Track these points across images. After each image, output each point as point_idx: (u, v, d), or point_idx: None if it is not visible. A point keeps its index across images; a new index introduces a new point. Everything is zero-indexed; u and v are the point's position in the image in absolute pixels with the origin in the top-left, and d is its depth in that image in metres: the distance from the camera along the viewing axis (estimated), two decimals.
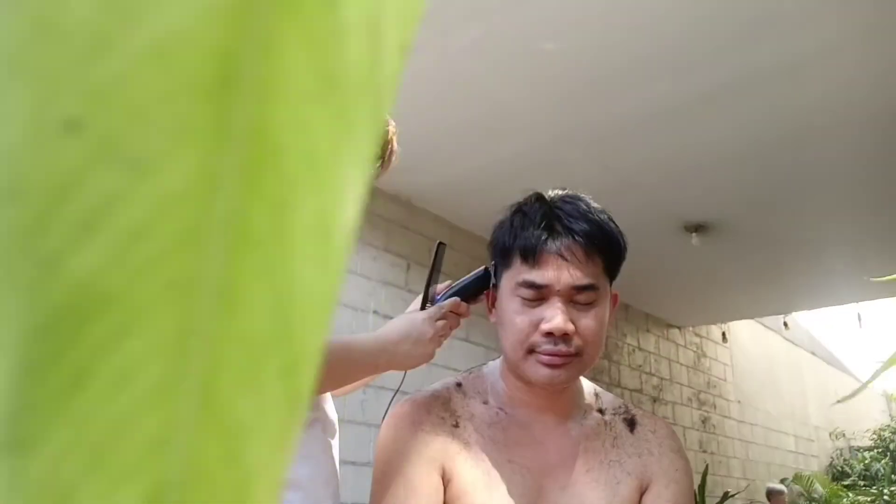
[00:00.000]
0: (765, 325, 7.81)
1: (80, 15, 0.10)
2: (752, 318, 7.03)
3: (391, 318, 1.03)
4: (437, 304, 1.00)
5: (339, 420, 1.04)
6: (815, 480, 7.26)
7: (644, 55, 2.39)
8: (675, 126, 2.83)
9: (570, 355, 0.88)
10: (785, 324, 8.23)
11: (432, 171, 3.21)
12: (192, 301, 0.11)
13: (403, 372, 1.01)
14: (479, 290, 1.01)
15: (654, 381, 5.55)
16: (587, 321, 0.89)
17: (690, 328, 6.29)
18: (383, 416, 0.98)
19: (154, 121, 0.11)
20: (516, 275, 0.90)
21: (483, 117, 2.80)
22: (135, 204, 0.11)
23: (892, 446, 9.81)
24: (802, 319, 9.18)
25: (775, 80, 2.49)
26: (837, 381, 10.39)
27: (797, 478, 7.19)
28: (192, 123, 0.11)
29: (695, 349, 6.30)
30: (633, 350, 5.38)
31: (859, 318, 6.91)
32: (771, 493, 5.88)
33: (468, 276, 1.02)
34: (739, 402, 6.82)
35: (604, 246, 0.90)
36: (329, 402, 1.03)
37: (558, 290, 0.87)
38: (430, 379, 1.04)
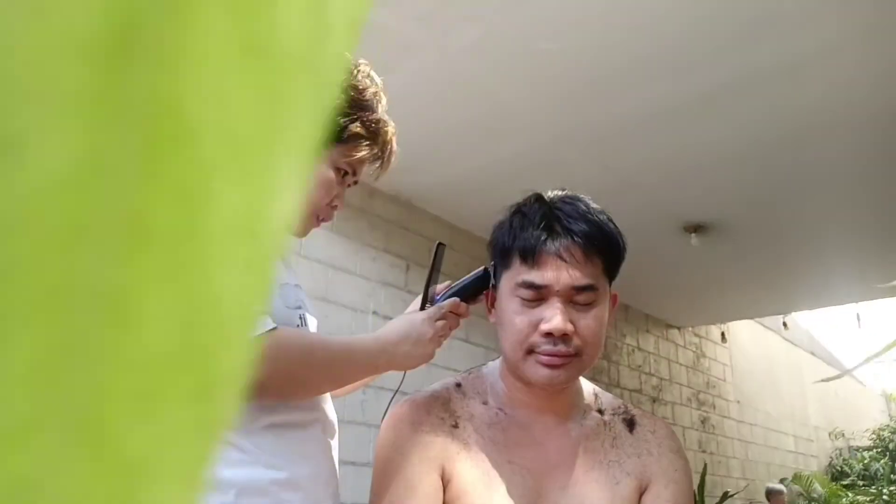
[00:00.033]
0: (764, 326, 7.81)
1: None
2: (751, 318, 7.03)
3: (391, 318, 1.03)
4: (436, 305, 1.00)
5: (339, 420, 1.04)
6: (814, 480, 7.26)
7: (644, 55, 2.39)
8: (675, 126, 2.83)
9: (570, 356, 0.88)
10: (784, 324, 8.23)
11: (432, 171, 3.21)
12: (74, 312, 0.09)
13: (403, 372, 1.02)
14: (478, 290, 1.01)
15: (654, 381, 5.55)
16: (586, 321, 0.89)
17: (690, 328, 6.29)
18: (383, 416, 0.98)
19: (27, 90, 0.09)
20: (516, 275, 0.90)
21: (483, 117, 2.80)
22: (1, 193, 0.09)
23: (891, 446, 9.81)
24: (802, 319, 9.18)
25: (775, 80, 2.49)
26: (837, 382, 10.39)
27: (796, 478, 7.20)
28: (76, 94, 0.09)
29: (694, 349, 6.30)
30: (633, 350, 5.38)
31: (858, 319, 6.92)
32: (770, 493, 5.88)
33: (468, 276, 1.02)
34: (739, 402, 6.82)
35: (603, 246, 0.90)
36: (328, 403, 1.03)
37: (558, 291, 0.87)
38: (430, 379, 1.04)
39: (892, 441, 9.93)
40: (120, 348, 0.10)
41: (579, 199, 0.94)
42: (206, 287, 0.10)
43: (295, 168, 0.11)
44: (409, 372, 1.01)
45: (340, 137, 1.02)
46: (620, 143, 2.97)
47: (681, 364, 6.02)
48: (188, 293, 0.10)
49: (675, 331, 6.09)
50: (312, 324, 1.04)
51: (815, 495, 7.11)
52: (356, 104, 1.03)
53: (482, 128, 2.88)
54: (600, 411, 1.00)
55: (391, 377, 1.08)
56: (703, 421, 6.07)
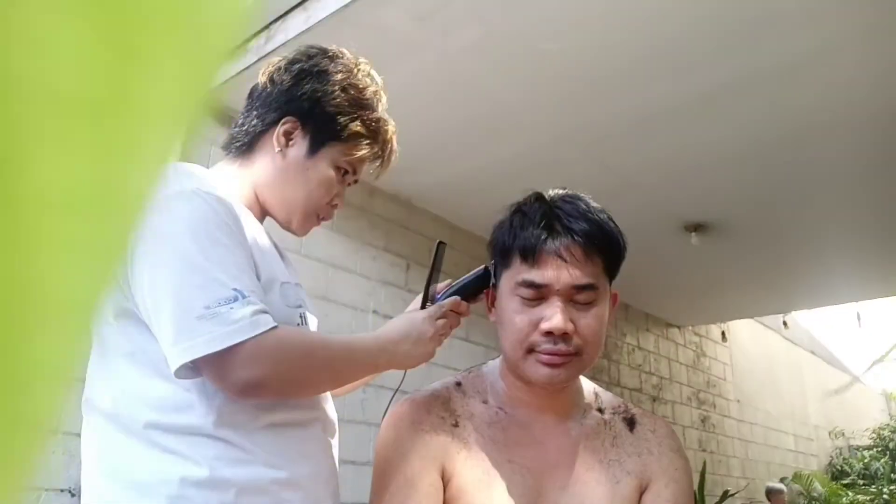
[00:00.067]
0: (764, 325, 7.81)
1: None
2: (751, 317, 7.03)
3: (391, 317, 1.03)
4: (437, 304, 1.00)
5: (339, 419, 1.04)
6: (814, 479, 7.26)
7: (644, 55, 2.39)
8: (675, 126, 2.83)
9: (570, 354, 0.88)
10: (784, 323, 8.23)
11: (432, 171, 3.21)
12: None
13: (403, 371, 1.02)
14: (479, 289, 1.01)
15: (654, 380, 5.56)
16: (587, 320, 0.89)
17: (690, 327, 6.29)
18: (383, 415, 0.98)
19: None
20: (516, 274, 0.90)
21: (483, 117, 2.80)
22: None
23: (891, 445, 9.82)
24: (802, 319, 9.18)
25: (775, 80, 2.49)
26: (837, 381, 10.40)
27: (797, 477, 7.20)
28: None
29: (694, 348, 6.30)
30: (633, 349, 5.38)
31: (859, 318, 6.92)
32: (770, 492, 5.89)
33: (468, 275, 1.02)
34: (739, 401, 6.82)
35: (603, 245, 0.90)
36: (329, 402, 1.03)
37: (558, 290, 0.87)
38: (430, 378, 1.04)
39: (892, 440, 9.93)
40: None
41: (579, 199, 0.94)
42: (16, 267, 0.08)
43: (157, 137, 0.10)
44: (409, 371, 1.01)
45: (340, 136, 1.02)
46: (620, 143, 2.97)
47: (681, 363, 6.02)
48: None
49: (676, 330, 6.09)
50: (313, 323, 1.04)
51: (815, 494, 7.11)
52: (356, 103, 1.03)
53: (482, 128, 2.88)
54: (600, 410, 1.00)
55: (391, 376, 1.08)
56: (704, 420, 6.07)
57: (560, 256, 0.88)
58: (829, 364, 10.21)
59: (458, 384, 0.99)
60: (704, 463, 5.38)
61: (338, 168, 1.04)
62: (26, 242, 0.08)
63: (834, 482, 7.90)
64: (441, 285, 1.04)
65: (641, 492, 0.93)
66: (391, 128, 1.08)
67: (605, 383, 4.74)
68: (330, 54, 1.06)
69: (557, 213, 0.90)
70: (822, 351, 9.91)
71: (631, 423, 0.99)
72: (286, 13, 2.40)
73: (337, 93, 1.02)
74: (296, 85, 1.02)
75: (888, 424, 10.58)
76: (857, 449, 9.87)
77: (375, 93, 1.06)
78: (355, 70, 1.05)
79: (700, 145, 2.99)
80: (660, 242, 3.99)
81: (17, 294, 0.08)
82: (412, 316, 0.98)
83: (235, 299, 0.81)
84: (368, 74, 1.07)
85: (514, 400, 0.96)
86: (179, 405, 0.85)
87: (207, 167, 1.05)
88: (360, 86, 1.04)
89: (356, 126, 1.02)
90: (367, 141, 1.05)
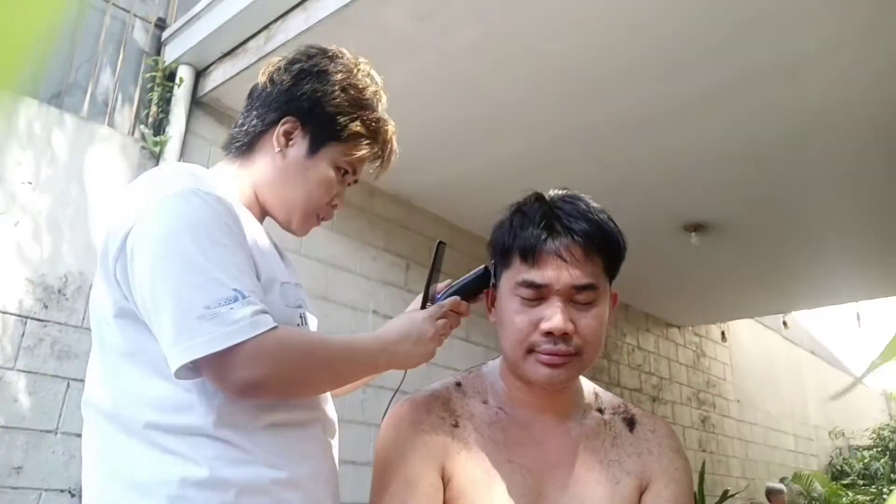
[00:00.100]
0: (764, 325, 7.81)
1: None
2: (751, 317, 7.03)
3: (391, 317, 1.03)
4: (437, 303, 1.00)
5: (339, 420, 1.04)
6: (814, 479, 7.26)
7: (644, 55, 2.39)
8: (676, 126, 2.83)
9: (570, 355, 0.88)
10: (784, 323, 8.23)
11: (432, 171, 3.21)
12: None
13: (404, 371, 1.01)
14: (479, 288, 1.01)
15: (654, 380, 5.56)
16: (587, 321, 0.89)
17: (690, 328, 6.29)
18: (383, 415, 0.98)
19: None
20: (516, 274, 0.90)
21: (483, 117, 2.80)
22: None
23: (891, 445, 9.82)
24: (802, 319, 9.18)
25: (775, 80, 2.49)
26: (837, 381, 10.40)
27: (797, 477, 7.20)
28: None
29: (694, 348, 6.30)
30: (633, 349, 5.38)
31: (858, 318, 6.92)
32: (770, 493, 5.89)
33: (468, 274, 1.02)
34: (739, 401, 6.82)
35: (603, 246, 0.90)
36: (329, 402, 1.03)
37: (558, 290, 0.87)
38: (430, 378, 1.04)
39: (892, 440, 9.94)
40: None
41: (580, 199, 0.94)
42: None
43: None
44: (409, 371, 1.01)
45: (340, 136, 1.02)
46: (620, 142, 2.97)
47: (681, 363, 6.02)
48: None
49: (676, 330, 6.09)
50: (313, 323, 1.04)
51: (815, 494, 7.11)
52: (356, 103, 1.03)
53: (482, 128, 2.88)
54: (600, 410, 1.00)
55: (391, 376, 1.08)
56: (704, 420, 6.07)
57: (560, 256, 0.87)
58: (829, 364, 10.21)
59: (458, 384, 0.99)
60: (703, 463, 5.39)
61: (338, 168, 1.04)
62: None
63: (834, 482, 7.90)
64: (441, 285, 1.04)
65: (641, 492, 0.93)
66: (391, 128, 1.08)
67: (605, 383, 4.74)
68: (330, 54, 1.06)
69: (557, 213, 0.90)
70: (822, 351, 9.92)
71: (631, 423, 0.99)
72: (286, 13, 2.40)
73: (337, 93, 1.02)
74: (296, 85, 1.02)
75: (888, 424, 10.58)
76: (857, 449, 9.88)
77: (375, 93, 1.06)
78: (355, 70, 1.05)
79: (700, 145, 2.99)
80: (660, 242, 3.99)
81: None
82: (412, 316, 0.98)
83: (235, 299, 0.81)
84: (368, 74, 1.07)
85: (514, 400, 0.96)
86: (179, 405, 0.85)
87: (207, 167, 1.05)
88: (360, 86, 1.04)
89: (356, 126, 1.02)
90: (367, 141, 1.04)
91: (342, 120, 1.02)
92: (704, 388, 6.26)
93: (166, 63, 2.77)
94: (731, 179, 3.31)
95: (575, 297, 0.88)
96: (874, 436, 10.20)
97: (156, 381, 0.86)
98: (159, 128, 2.69)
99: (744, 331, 7.29)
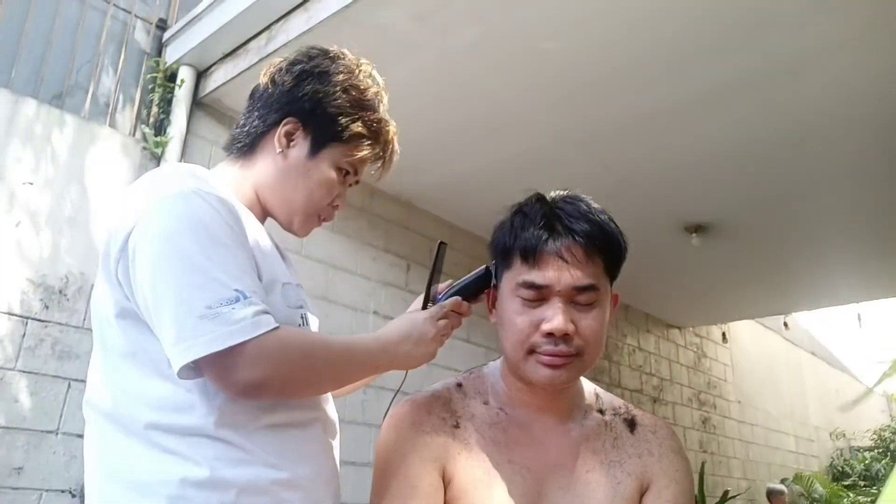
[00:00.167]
0: (765, 326, 7.81)
1: None
2: (752, 318, 7.03)
3: (391, 318, 1.02)
4: (438, 304, 1.00)
5: (340, 420, 1.04)
6: (815, 480, 7.26)
7: (644, 55, 2.39)
8: (676, 126, 2.83)
9: (571, 356, 0.88)
10: (785, 324, 8.23)
11: (432, 171, 3.21)
12: None
13: (404, 372, 1.01)
14: (480, 289, 1.01)
15: (655, 381, 5.55)
16: (588, 321, 0.89)
17: (690, 328, 6.29)
18: (384, 416, 0.98)
19: None
20: (517, 275, 0.90)
21: (483, 117, 2.80)
22: None
23: (892, 446, 9.81)
24: (802, 319, 9.18)
25: (775, 80, 2.49)
26: (837, 381, 10.39)
27: (797, 478, 7.19)
28: None
29: (695, 349, 6.30)
30: (634, 350, 5.38)
31: (859, 318, 6.92)
32: (771, 494, 5.88)
33: (469, 275, 1.02)
34: (739, 402, 6.82)
35: (604, 246, 0.90)
36: (330, 403, 1.03)
37: (559, 291, 0.87)
38: (431, 379, 1.04)
39: (893, 441, 9.93)
40: None
41: (580, 199, 0.93)
42: None
43: None
44: (410, 372, 1.01)
45: (342, 137, 1.02)
46: (620, 142, 2.97)
47: (681, 364, 6.02)
48: None
49: (676, 331, 6.09)
50: (314, 323, 1.04)
51: (816, 496, 7.10)
52: (358, 104, 1.03)
53: (482, 128, 2.88)
54: (601, 411, 0.99)
55: (392, 377, 1.08)
56: (704, 421, 6.07)
57: (561, 257, 0.87)
58: (830, 365, 10.20)
59: (459, 385, 0.99)
60: (703, 464, 5.38)
61: (339, 169, 1.04)
62: None
63: (835, 483, 7.89)
64: (442, 286, 1.04)
65: (642, 493, 0.93)
66: (392, 128, 1.08)
67: (606, 384, 4.74)
68: (331, 55, 1.06)
69: (558, 214, 0.90)
70: (822, 352, 9.91)
71: (632, 424, 0.99)
72: (287, 14, 2.40)
73: (338, 94, 1.02)
74: (297, 86, 1.02)
75: (889, 425, 10.57)
76: (858, 450, 9.87)
77: (377, 93, 1.06)
78: (357, 71, 1.05)
79: (700, 145, 2.99)
80: (660, 243, 3.99)
81: None
82: (413, 316, 0.98)
83: (237, 300, 0.81)
84: (370, 75, 1.07)
85: (515, 401, 0.96)
86: (180, 405, 0.85)
87: (208, 168, 1.05)
88: (362, 87, 1.04)
89: (357, 127, 1.02)
90: (369, 142, 1.04)
91: (343, 121, 1.02)
92: (705, 388, 6.26)
93: (167, 64, 2.77)
94: (732, 180, 3.31)
95: (576, 298, 0.88)
96: (875, 437, 10.19)
97: (157, 381, 0.85)
98: (160, 128, 2.70)
99: (744, 332, 7.28)
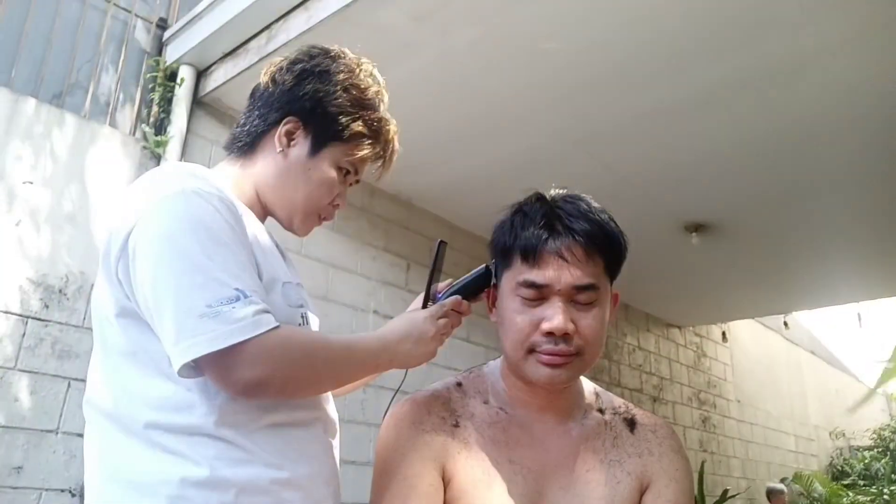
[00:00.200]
0: (765, 325, 7.81)
1: None
2: (752, 317, 7.03)
3: (391, 317, 1.02)
4: (438, 303, 1.00)
5: (340, 420, 1.04)
6: (815, 480, 7.26)
7: (643, 54, 2.39)
8: (675, 126, 2.83)
9: (571, 355, 0.88)
10: (785, 323, 8.23)
11: (432, 171, 3.21)
12: None
13: (404, 371, 1.01)
14: (480, 288, 1.01)
15: (655, 380, 5.56)
16: (588, 321, 0.89)
17: (690, 328, 6.29)
18: (384, 415, 0.98)
19: None
20: (517, 274, 0.90)
21: (483, 117, 2.80)
22: None
23: (892, 446, 9.81)
24: (802, 319, 9.18)
25: (775, 79, 2.49)
26: (837, 381, 10.40)
27: (797, 477, 7.20)
28: None
29: (695, 349, 6.30)
30: (634, 349, 5.38)
31: (859, 318, 6.92)
32: (771, 493, 5.89)
33: (469, 274, 1.02)
34: (739, 401, 6.82)
35: (604, 246, 0.90)
36: (330, 402, 1.03)
37: (559, 290, 0.87)
38: (431, 378, 1.04)
39: (892, 441, 9.93)
40: None
41: (580, 199, 0.93)
42: None
43: None
44: (410, 371, 1.01)
45: (342, 136, 1.02)
46: (620, 142, 2.97)
47: (681, 363, 6.02)
48: None
49: (676, 330, 6.09)
50: (314, 322, 1.04)
51: (815, 495, 7.11)
52: (358, 103, 1.03)
53: (482, 128, 2.88)
54: (601, 411, 0.99)
55: (392, 376, 1.08)
56: (704, 420, 6.07)
57: (561, 256, 0.87)
58: (830, 364, 10.20)
59: (459, 384, 0.99)
60: (703, 463, 5.39)
61: (339, 168, 1.04)
62: None
63: (834, 483, 7.90)
64: (442, 285, 1.04)
65: (642, 492, 0.93)
66: (393, 128, 1.08)
67: (606, 383, 4.74)
68: (332, 54, 1.06)
69: (558, 213, 0.90)
70: (822, 351, 9.91)
71: (631, 423, 0.99)
72: (287, 13, 2.40)
73: (339, 93, 1.02)
74: (298, 85, 1.02)
75: (889, 425, 10.57)
76: (858, 449, 9.87)
77: (377, 93, 1.06)
78: (357, 70, 1.05)
79: (700, 145, 2.99)
80: (660, 242, 3.99)
81: None
82: (413, 315, 0.98)
83: (237, 299, 0.81)
84: (371, 74, 1.07)
85: (515, 400, 0.96)
86: (180, 405, 0.85)
87: (208, 167, 1.05)
88: (362, 86, 1.04)
89: (358, 126, 1.02)
90: (369, 141, 1.04)
91: (344, 120, 1.02)
92: (705, 388, 6.26)
93: (167, 63, 2.77)
94: (732, 179, 3.31)
95: (576, 298, 0.88)
96: (875, 436, 10.19)
97: (157, 380, 0.85)
98: (160, 128, 2.70)
99: (744, 331, 7.28)
